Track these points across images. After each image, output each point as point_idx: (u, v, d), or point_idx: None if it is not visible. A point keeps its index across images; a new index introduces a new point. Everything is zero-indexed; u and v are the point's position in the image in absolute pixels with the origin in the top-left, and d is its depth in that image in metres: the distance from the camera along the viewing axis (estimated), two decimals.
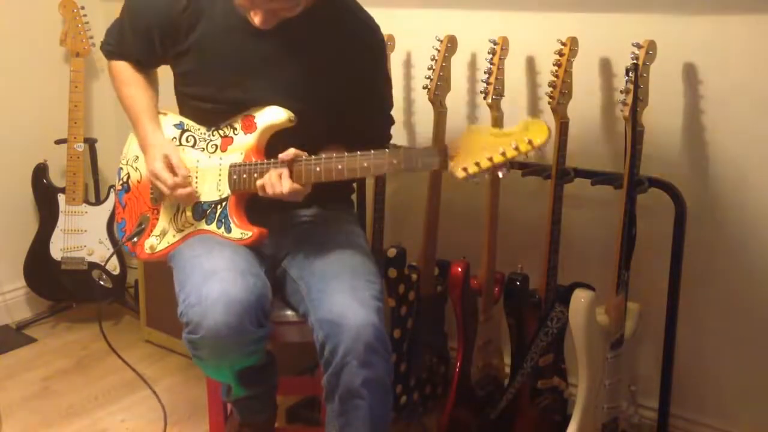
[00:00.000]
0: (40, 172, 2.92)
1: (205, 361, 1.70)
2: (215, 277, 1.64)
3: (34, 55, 2.97)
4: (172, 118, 1.93)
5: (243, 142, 1.80)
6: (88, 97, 3.07)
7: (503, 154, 1.47)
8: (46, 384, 2.65)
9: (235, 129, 1.81)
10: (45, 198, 2.92)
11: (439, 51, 2.13)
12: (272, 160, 1.72)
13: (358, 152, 1.62)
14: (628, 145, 1.84)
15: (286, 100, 1.77)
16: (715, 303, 2.08)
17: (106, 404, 2.53)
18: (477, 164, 1.49)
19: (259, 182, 1.71)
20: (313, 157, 1.67)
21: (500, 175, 1.50)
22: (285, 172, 1.67)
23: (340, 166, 1.64)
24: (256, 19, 1.69)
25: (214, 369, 1.78)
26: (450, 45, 2.13)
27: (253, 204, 1.81)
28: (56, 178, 2.95)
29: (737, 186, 1.99)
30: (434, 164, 1.54)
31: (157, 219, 1.91)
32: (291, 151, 1.68)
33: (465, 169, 1.50)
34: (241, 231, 1.77)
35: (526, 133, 1.46)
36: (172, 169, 1.80)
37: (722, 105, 1.96)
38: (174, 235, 1.86)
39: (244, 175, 1.76)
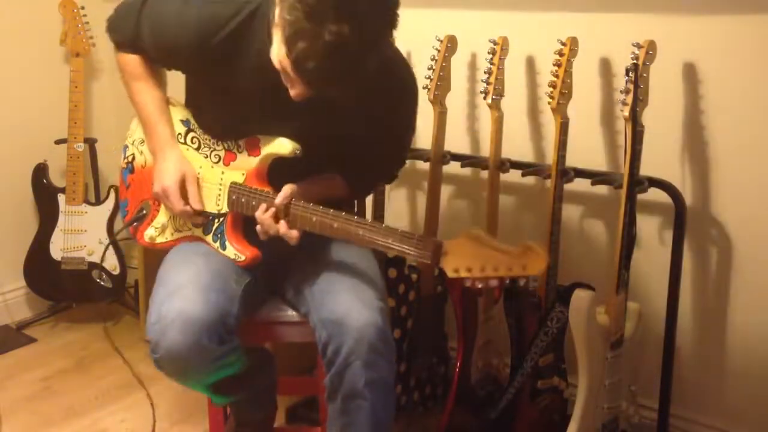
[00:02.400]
0: (40, 172, 2.91)
1: (172, 378, 1.68)
2: (176, 294, 1.62)
3: (34, 55, 2.96)
4: (179, 111, 1.87)
5: (245, 163, 1.76)
6: (88, 97, 3.07)
7: (496, 270, 1.48)
8: (46, 384, 2.65)
9: (239, 146, 1.77)
10: (45, 198, 2.92)
11: (439, 51, 2.13)
12: (273, 191, 1.69)
13: (355, 218, 1.59)
14: (628, 145, 1.84)
15: (300, 140, 1.71)
16: (715, 303, 2.08)
17: (106, 404, 2.52)
18: (468, 270, 1.50)
19: (258, 217, 1.67)
20: (310, 205, 1.63)
21: (481, 286, 1.51)
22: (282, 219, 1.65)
23: (335, 225, 1.61)
24: (292, 92, 1.56)
25: (183, 384, 1.75)
26: (450, 45, 2.13)
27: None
28: (56, 178, 2.95)
29: (737, 186, 1.99)
30: (426, 258, 1.52)
31: (158, 211, 1.89)
32: (287, 192, 1.64)
33: (456, 270, 1.51)
34: (235, 252, 1.75)
35: (523, 258, 1.46)
36: (184, 189, 1.76)
37: (722, 105, 1.96)
38: (172, 234, 1.86)
39: (243, 199, 1.73)
